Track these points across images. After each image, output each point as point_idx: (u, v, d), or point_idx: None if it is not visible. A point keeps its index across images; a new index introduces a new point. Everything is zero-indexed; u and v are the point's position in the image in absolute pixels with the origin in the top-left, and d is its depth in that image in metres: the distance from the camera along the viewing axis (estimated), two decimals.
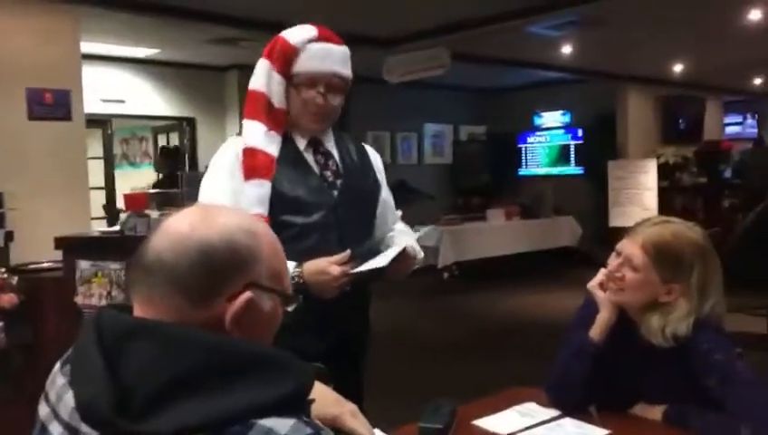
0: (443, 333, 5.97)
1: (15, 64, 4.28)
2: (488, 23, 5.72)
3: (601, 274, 1.63)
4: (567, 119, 10.25)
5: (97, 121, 7.28)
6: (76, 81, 4.52)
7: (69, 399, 0.78)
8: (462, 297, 7.49)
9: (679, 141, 9.53)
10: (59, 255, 3.22)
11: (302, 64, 1.70)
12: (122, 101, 7.28)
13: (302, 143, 1.77)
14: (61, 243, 3.17)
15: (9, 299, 3.05)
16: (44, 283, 3.25)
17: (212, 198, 1.67)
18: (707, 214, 8.93)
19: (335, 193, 1.77)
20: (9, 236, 3.74)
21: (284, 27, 1.77)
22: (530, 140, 10.57)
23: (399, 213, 2.02)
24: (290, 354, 0.79)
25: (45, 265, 3.47)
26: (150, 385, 0.72)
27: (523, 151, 10.62)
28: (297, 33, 1.71)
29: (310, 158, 1.77)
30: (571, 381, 1.60)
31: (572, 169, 10.03)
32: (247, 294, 0.81)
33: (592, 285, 1.64)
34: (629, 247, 1.58)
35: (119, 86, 7.21)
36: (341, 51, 1.76)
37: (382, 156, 8.09)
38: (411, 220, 8.22)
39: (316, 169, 1.77)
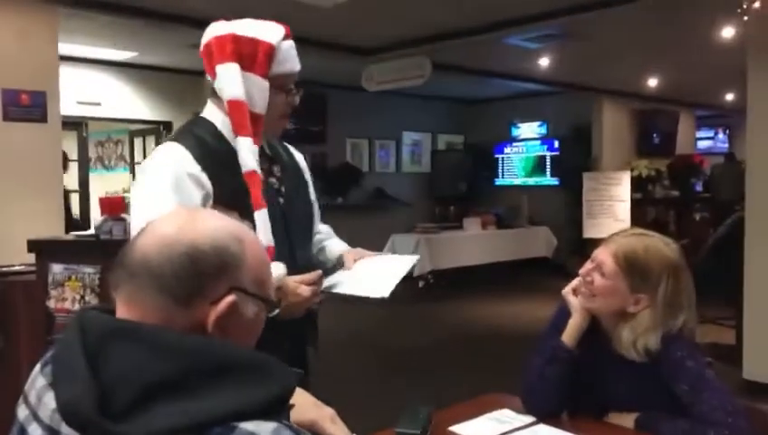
0: (417, 341, 5.99)
1: None
2: (468, 34, 5.78)
3: (576, 281, 1.68)
4: (543, 130, 10.37)
5: (72, 124, 7.19)
6: (53, 82, 4.46)
7: (50, 400, 0.78)
8: (437, 305, 7.52)
9: (653, 154, 9.70)
10: (32, 258, 3.17)
11: (281, 66, 1.59)
12: (98, 104, 7.20)
13: None
14: (34, 246, 3.12)
15: None
16: (16, 286, 3.19)
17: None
18: (679, 226, 9.10)
19: (281, 200, 1.68)
20: None
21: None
22: (507, 150, 10.68)
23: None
24: (271, 358, 0.80)
25: (17, 268, 3.41)
26: (132, 386, 0.72)
27: (500, 161, 10.72)
28: (272, 34, 1.58)
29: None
30: (545, 387, 1.63)
31: (548, 179, 10.15)
32: (231, 298, 0.81)
33: (566, 290, 1.69)
34: (602, 255, 1.63)
35: (95, 88, 7.14)
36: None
37: (360, 163, 8.11)
38: (389, 228, 8.23)
39: (263, 175, 1.61)
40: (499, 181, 10.72)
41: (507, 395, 1.77)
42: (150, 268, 0.79)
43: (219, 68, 1.55)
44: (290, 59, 1.62)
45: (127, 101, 7.46)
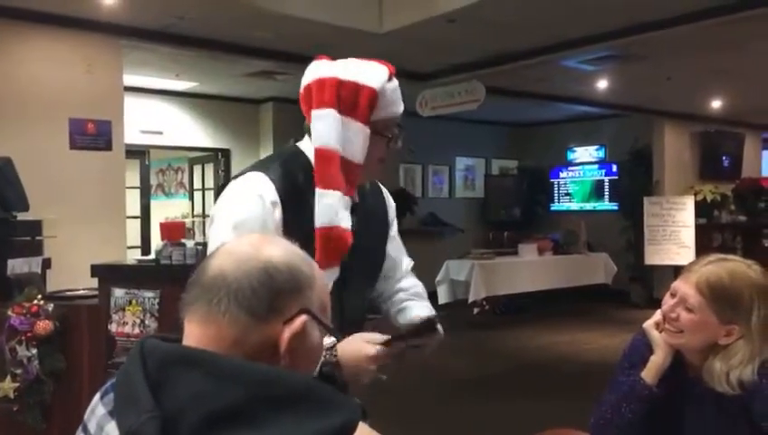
0: (473, 370, 5.86)
1: (60, 95, 4.40)
2: (524, 57, 5.73)
3: (658, 314, 1.56)
4: (601, 154, 10.16)
5: (135, 152, 7.44)
6: (118, 112, 4.63)
7: (111, 429, 0.77)
8: (492, 333, 7.37)
9: (717, 178, 9.37)
10: (95, 282, 3.25)
11: (384, 110, 1.51)
12: (160, 133, 7.43)
13: None
14: (97, 271, 3.20)
15: (44, 326, 3.07)
16: (79, 310, 3.27)
17: None
18: (746, 252, 8.71)
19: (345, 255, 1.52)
20: (46, 264, 3.79)
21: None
22: (563, 174, 10.49)
23: (410, 262, 1.79)
24: (333, 389, 0.77)
25: (81, 292, 3.50)
26: (196, 415, 0.71)
27: (556, 186, 10.54)
28: (375, 77, 1.50)
29: None
30: (620, 426, 1.53)
31: (606, 204, 9.91)
32: (303, 317, 0.82)
33: (649, 324, 1.56)
34: (684, 287, 1.51)
35: (157, 118, 7.37)
36: None
37: (413, 189, 8.11)
38: (442, 254, 8.15)
39: None
40: (555, 206, 10.52)
41: (575, 431, 1.68)
42: (228, 283, 0.81)
43: (315, 113, 1.49)
44: (394, 102, 1.54)
45: (187, 130, 7.68)
